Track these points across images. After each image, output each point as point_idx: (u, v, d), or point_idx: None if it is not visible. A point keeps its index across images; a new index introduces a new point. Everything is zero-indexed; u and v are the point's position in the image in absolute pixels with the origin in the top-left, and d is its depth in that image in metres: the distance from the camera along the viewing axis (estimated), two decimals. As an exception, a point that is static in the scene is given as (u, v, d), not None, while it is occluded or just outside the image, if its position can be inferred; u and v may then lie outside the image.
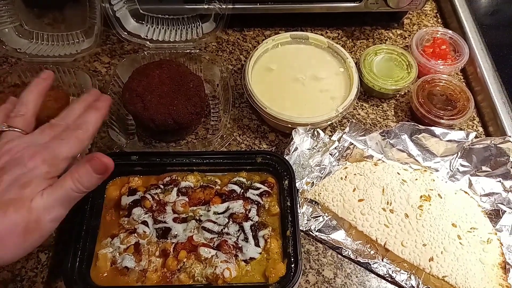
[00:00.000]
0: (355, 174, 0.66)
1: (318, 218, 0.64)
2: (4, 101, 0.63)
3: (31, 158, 0.45)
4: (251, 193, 0.61)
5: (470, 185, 0.66)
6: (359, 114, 0.76)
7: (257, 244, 0.57)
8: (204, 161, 0.63)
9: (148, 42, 0.75)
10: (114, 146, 0.65)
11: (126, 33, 0.74)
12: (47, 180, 0.45)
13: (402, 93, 0.78)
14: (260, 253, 0.56)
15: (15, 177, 0.44)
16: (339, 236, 0.62)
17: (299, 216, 0.62)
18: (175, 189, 0.61)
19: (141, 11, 0.75)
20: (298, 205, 0.61)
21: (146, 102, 0.64)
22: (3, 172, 0.45)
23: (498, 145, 0.65)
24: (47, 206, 0.44)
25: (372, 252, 0.61)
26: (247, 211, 0.59)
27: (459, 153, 0.67)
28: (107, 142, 0.68)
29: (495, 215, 0.63)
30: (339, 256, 0.62)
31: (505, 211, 0.63)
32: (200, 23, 0.77)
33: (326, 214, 0.64)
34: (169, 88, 0.66)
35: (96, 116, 0.51)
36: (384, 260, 0.60)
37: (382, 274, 0.59)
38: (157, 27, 0.76)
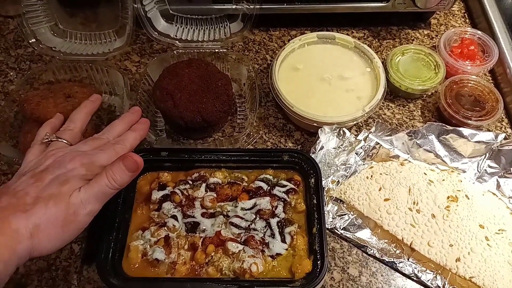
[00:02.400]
0: (381, 174, 0.66)
1: (344, 216, 0.64)
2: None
3: (71, 161, 0.50)
4: (277, 190, 0.62)
5: (498, 186, 0.65)
6: (385, 114, 0.76)
7: (283, 240, 0.58)
8: (232, 158, 0.64)
9: (177, 42, 0.77)
10: (144, 142, 0.67)
11: (156, 33, 0.76)
12: (84, 181, 0.50)
13: (429, 94, 0.77)
14: (286, 249, 0.57)
15: (56, 176, 0.49)
16: (364, 234, 0.63)
17: (325, 214, 0.63)
18: (204, 184, 0.62)
19: (171, 11, 0.78)
20: (324, 203, 0.62)
21: (176, 100, 0.66)
22: (46, 172, 0.49)
23: (528, 147, 0.64)
24: (84, 201, 0.48)
25: (397, 251, 0.61)
26: (273, 208, 0.60)
27: (487, 154, 0.66)
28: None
29: (524, 218, 0.63)
30: (364, 254, 0.62)
31: (535, 214, 0.62)
32: (228, 23, 0.78)
33: (352, 213, 0.64)
34: (198, 87, 0.67)
35: (135, 136, 0.58)
36: (410, 259, 0.60)
37: (408, 274, 0.59)
38: (186, 27, 0.78)
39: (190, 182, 0.63)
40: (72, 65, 0.74)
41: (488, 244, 0.59)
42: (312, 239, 0.58)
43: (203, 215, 0.60)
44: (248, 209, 0.60)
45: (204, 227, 0.58)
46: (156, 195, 0.61)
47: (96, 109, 0.64)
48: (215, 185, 0.62)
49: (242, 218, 0.59)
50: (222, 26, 0.78)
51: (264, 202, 0.60)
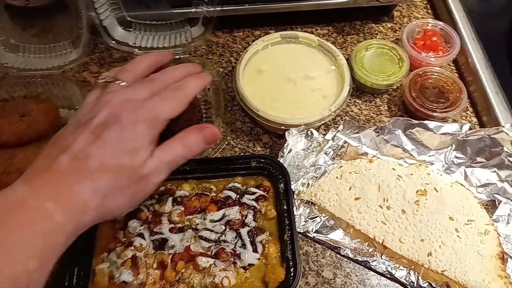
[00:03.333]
0: (350, 173, 0.66)
1: (315, 219, 0.64)
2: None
3: (131, 115, 0.45)
4: (247, 198, 0.61)
5: (466, 176, 0.66)
6: (352, 111, 0.76)
7: (255, 250, 0.57)
8: (199, 168, 0.63)
9: (137, 50, 0.74)
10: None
11: (114, 41, 0.73)
12: (152, 144, 0.46)
13: (395, 87, 0.77)
14: (259, 259, 0.56)
15: (120, 136, 0.44)
16: (337, 235, 0.62)
17: (296, 218, 0.63)
18: (170, 198, 0.60)
19: (128, 18, 0.75)
20: (294, 208, 0.61)
21: (137, 112, 0.63)
22: (106, 126, 0.44)
23: (492, 136, 0.65)
24: (156, 170, 0.46)
25: (370, 249, 0.61)
26: (243, 217, 0.59)
27: (454, 145, 0.67)
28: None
29: (491, 206, 0.63)
30: (338, 255, 0.62)
31: (501, 201, 0.63)
32: (189, 27, 0.76)
33: (323, 215, 0.64)
34: (159, 96, 0.65)
35: (197, 82, 0.52)
36: (383, 257, 0.60)
37: (381, 272, 0.59)
38: (145, 34, 0.76)
39: (156, 196, 0.61)
40: (26, 81, 0.70)
41: (458, 236, 0.60)
42: (284, 246, 0.57)
43: (171, 230, 0.58)
44: (217, 221, 0.59)
45: (172, 243, 0.57)
46: (121, 213, 0.59)
47: (164, 62, 0.57)
48: (182, 198, 0.60)
49: (211, 230, 0.58)
50: (183, 31, 0.76)
51: (233, 212, 0.59)
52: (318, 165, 0.67)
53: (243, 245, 0.57)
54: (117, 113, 0.45)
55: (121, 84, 0.49)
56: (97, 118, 0.45)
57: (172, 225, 0.59)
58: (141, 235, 0.57)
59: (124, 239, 0.58)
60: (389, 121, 0.69)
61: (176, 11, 0.75)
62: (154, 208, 0.60)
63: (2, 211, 0.38)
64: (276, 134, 0.72)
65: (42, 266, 0.38)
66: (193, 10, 0.74)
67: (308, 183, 0.66)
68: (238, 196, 0.61)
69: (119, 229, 0.59)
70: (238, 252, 0.56)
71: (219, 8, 0.75)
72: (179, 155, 0.48)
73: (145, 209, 0.59)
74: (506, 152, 0.64)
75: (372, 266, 0.60)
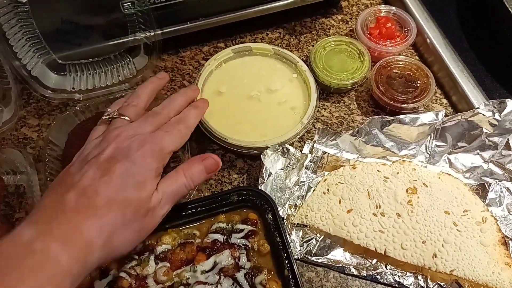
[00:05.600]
0: (336, 184, 0.62)
1: (311, 241, 0.60)
2: None
3: (139, 149, 0.46)
4: (235, 238, 0.55)
5: (451, 164, 0.64)
6: (322, 116, 0.72)
7: (256, 294, 0.52)
8: (175, 215, 0.57)
9: (77, 94, 0.66)
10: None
11: (49, 90, 0.64)
12: (157, 178, 0.47)
13: (360, 83, 0.74)
14: (262, 302, 0.52)
15: (127, 171, 0.45)
16: (337, 254, 0.59)
17: (291, 244, 0.58)
18: (152, 256, 0.54)
19: (60, 62, 0.66)
20: (288, 238, 0.57)
21: (93, 169, 0.56)
22: (114, 161, 0.45)
23: (469, 119, 0.63)
24: (161, 203, 0.47)
25: (374, 261, 0.58)
26: (236, 259, 0.54)
27: (432, 134, 0.65)
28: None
29: (482, 190, 0.62)
30: (342, 275, 0.58)
31: (490, 183, 0.62)
32: (131, 59, 0.69)
33: (318, 235, 0.60)
34: (115, 145, 0.58)
35: (196, 113, 0.56)
36: (388, 267, 0.58)
37: (389, 283, 0.57)
38: (83, 75, 0.67)
39: (136, 257, 0.54)
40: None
41: (457, 229, 0.58)
42: (286, 281, 0.52)
43: (160, 292, 0.52)
44: (209, 270, 0.53)
45: (165, 307, 0.51)
46: (100, 286, 0.52)
47: (163, 87, 0.60)
48: (165, 253, 0.54)
49: (205, 283, 0.52)
50: (124, 64, 0.69)
51: (225, 257, 0.54)
52: (301, 182, 0.63)
53: (243, 292, 0.52)
54: (125, 148, 0.46)
55: (125, 119, 0.51)
56: (105, 154, 0.46)
57: (161, 286, 0.53)
58: (128, 306, 0.51)
59: (109, 315, 0.51)
60: (362, 118, 0.66)
61: (111, 43, 0.67)
62: (136, 271, 0.53)
63: (9, 256, 0.38)
64: (249, 157, 0.67)
65: None
66: (130, 38, 0.67)
67: (296, 204, 0.62)
68: (225, 237, 0.56)
69: (101, 305, 0.52)
70: (238, 301, 0.51)
71: (159, 32, 0.69)
72: (182, 186, 0.49)
73: (126, 276, 0.52)
74: (486, 132, 0.63)
75: (379, 280, 0.57)
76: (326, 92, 0.74)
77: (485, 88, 0.70)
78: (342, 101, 0.73)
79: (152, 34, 0.68)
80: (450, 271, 0.55)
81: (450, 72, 0.72)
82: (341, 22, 0.83)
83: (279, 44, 0.79)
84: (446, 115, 0.65)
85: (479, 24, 0.78)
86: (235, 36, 0.81)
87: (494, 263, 0.55)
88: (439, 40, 0.75)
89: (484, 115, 0.62)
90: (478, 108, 0.63)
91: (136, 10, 0.66)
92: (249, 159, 0.67)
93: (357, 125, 0.69)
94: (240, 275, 0.53)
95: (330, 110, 0.73)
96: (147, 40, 0.68)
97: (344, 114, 0.72)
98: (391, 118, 0.65)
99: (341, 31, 0.81)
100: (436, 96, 0.74)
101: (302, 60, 0.70)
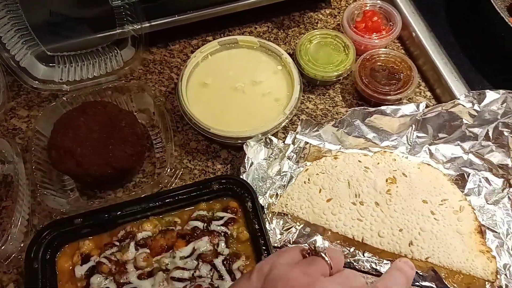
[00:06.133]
0: (317, 174, 0.63)
1: (291, 229, 0.60)
2: None
3: None
4: (215, 225, 0.57)
5: (431, 155, 0.65)
6: (307, 108, 0.73)
7: (234, 279, 0.53)
8: (157, 204, 0.58)
9: (64, 85, 0.67)
10: (55, 212, 0.58)
11: (37, 81, 0.66)
12: None
13: (345, 76, 0.75)
14: None
15: None
16: (316, 242, 0.60)
17: (271, 232, 0.59)
18: (132, 243, 0.55)
19: (48, 53, 0.68)
20: (267, 223, 0.58)
21: (77, 157, 0.57)
22: None
23: (449, 110, 0.64)
24: None
25: (351, 249, 0.59)
26: (215, 246, 0.55)
27: (414, 125, 0.66)
28: (47, 207, 0.61)
29: (461, 180, 0.63)
30: (321, 263, 0.59)
31: (470, 173, 0.62)
32: (118, 51, 0.70)
33: (298, 224, 0.61)
34: (99, 135, 0.59)
35: None
36: (365, 254, 0.58)
37: (367, 270, 0.57)
38: (71, 66, 0.69)
39: (117, 243, 0.56)
40: None
41: (435, 218, 0.58)
42: (263, 268, 0.53)
43: (140, 277, 0.53)
44: (188, 256, 0.54)
45: (144, 291, 0.52)
46: (80, 270, 0.53)
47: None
48: (145, 240, 0.56)
49: (183, 268, 0.53)
50: (112, 56, 0.70)
51: (203, 244, 0.55)
52: (283, 172, 0.64)
53: (221, 277, 0.53)
54: None
55: (325, 260, 0.40)
56: None
57: (140, 271, 0.54)
58: (108, 290, 0.52)
59: (89, 299, 0.52)
60: (347, 110, 0.67)
61: (99, 35, 0.68)
62: (116, 257, 0.55)
63: None
64: (234, 147, 0.68)
65: None
66: (118, 31, 0.68)
67: (277, 193, 0.62)
68: (205, 224, 0.57)
69: (82, 288, 0.53)
70: (216, 285, 0.53)
71: (147, 25, 0.70)
72: None
73: (106, 261, 0.54)
74: (466, 123, 0.63)
75: (356, 267, 0.58)
76: (312, 85, 0.75)
77: (469, 81, 0.71)
78: (327, 94, 0.74)
79: (140, 26, 0.69)
80: (425, 259, 0.56)
81: (435, 65, 0.73)
82: (329, 16, 0.84)
83: (267, 38, 0.80)
84: (427, 106, 0.65)
85: (465, 18, 0.78)
86: (224, 30, 0.82)
87: (469, 250, 0.56)
88: (424, 34, 0.76)
89: (464, 106, 0.63)
90: (458, 99, 0.64)
91: (124, 3, 0.68)
92: (233, 150, 0.68)
93: (341, 117, 0.70)
94: (218, 261, 0.54)
95: (315, 102, 0.73)
96: (134, 32, 0.69)
97: (329, 106, 0.73)
98: (373, 109, 0.65)
99: (329, 25, 0.82)
100: (420, 89, 0.74)
101: (290, 53, 0.71)
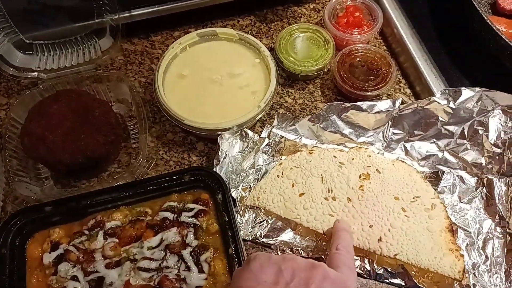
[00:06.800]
0: (291, 168, 0.63)
1: (262, 223, 0.61)
2: None
3: None
4: (185, 216, 0.57)
5: (406, 152, 0.65)
6: (286, 102, 0.73)
7: (201, 270, 0.53)
8: (128, 193, 0.58)
9: (41, 74, 0.67)
10: (25, 199, 0.58)
11: (12, 68, 0.66)
12: None
13: (326, 71, 0.75)
14: (206, 279, 0.53)
15: None
16: (286, 237, 0.60)
17: (242, 226, 0.60)
18: (101, 232, 0.55)
19: (27, 41, 0.67)
20: (238, 216, 0.58)
21: (48, 144, 0.57)
22: None
23: (425, 107, 0.64)
24: None
25: (323, 244, 0.59)
26: (184, 237, 0.55)
27: (390, 122, 0.65)
28: (21, 195, 0.61)
29: (435, 178, 0.63)
30: (291, 257, 0.59)
31: (444, 171, 0.62)
32: (97, 40, 0.70)
33: (270, 217, 0.61)
34: (72, 123, 0.59)
35: None
36: (336, 250, 0.58)
37: (337, 265, 0.58)
38: (50, 55, 0.69)
39: (87, 232, 0.56)
40: None
41: (405, 215, 0.58)
42: (231, 260, 0.54)
43: (107, 266, 0.53)
44: (156, 247, 0.54)
45: (110, 280, 0.52)
46: (48, 258, 0.54)
47: None
48: (114, 229, 0.56)
49: (150, 258, 0.54)
50: (90, 45, 0.70)
51: (171, 235, 0.55)
52: (258, 166, 0.64)
53: (187, 268, 0.53)
54: None
55: None
56: None
57: (108, 260, 0.54)
58: (74, 278, 0.52)
59: (57, 285, 0.52)
60: (323, 107, 0.66)
61: (78, 24, 0.68)
62: (85, 246, 0.55)
63: None
64: (211, 140, 0.68)
65: None
66: (96, 21, 0.68)
67: (250, 187, 0.62)
68: (175, 215, 0.57)
69: (50, 275, 0.53)
70: (183, 276, 0.53)
71: (127, 14, 0.70)
72: None
73: (74, 249, 0.54)
74: (441, 121, 0.63)
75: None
76: (292, 79, 0.75)
77: (448, 79, 0.70)
78: (306, 88, 0.74)
79: (117, 16, 0.69)
80: (394, 255, 0.56)
81: (415, 62, 0.73)
82: (312, 11, 0.83)
83: (250, 31, 0.80)
84: (403, 103, 0.65)
85: (447, 15, 0.78)
86: (207, 22, 0.82)
87: (438, 248, 0.56)
88: (406, 30, 0.75)
89: (439, 103, 0.63)
90: (434, 96, 0.63)
91: (103, -8, 0.67)
92: (210, 142, 0.68)
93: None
94: (185, 252, 0.54)
95: (294, 96, 0.73)
96: (112, 22, 0.69)
97: (308, 101, 0.73)
98: (348, 104, 0.65)
99: (312, 20, 0.82)
100: (400, 86, 0.74)
101: (271, 47, 0.71)
